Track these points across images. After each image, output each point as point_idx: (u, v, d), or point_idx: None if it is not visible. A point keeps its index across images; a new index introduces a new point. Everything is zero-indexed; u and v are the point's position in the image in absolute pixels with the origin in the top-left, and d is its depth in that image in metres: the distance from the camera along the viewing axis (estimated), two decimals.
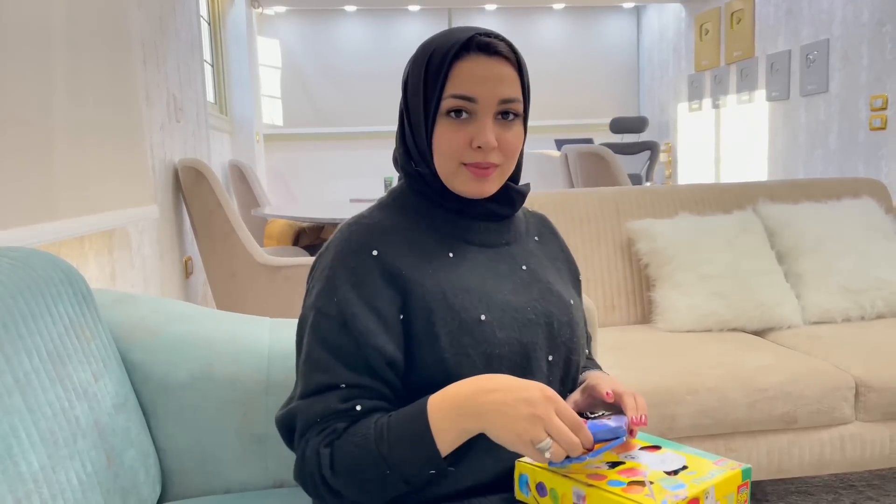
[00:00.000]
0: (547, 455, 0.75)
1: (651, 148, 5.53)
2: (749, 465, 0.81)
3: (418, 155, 0.94)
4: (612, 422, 0.82)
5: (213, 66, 5.31)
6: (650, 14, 7.30)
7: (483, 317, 0.89)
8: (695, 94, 6.36)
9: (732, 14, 5.65)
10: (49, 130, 1.57)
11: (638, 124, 6.06)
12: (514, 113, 0.91)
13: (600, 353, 1.87)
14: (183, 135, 3.19)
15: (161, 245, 2.75)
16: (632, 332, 2.15)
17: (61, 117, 1.63)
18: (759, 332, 2.13)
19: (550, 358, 0.94)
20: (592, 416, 0.95)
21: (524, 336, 0.91)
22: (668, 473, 0.80)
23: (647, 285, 2.25)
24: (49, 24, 1.60)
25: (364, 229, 0.91)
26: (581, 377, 1.00)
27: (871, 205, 2.34)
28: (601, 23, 7.52)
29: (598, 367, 1.09)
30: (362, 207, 1.04)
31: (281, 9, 6.88)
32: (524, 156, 0.99)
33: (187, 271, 3.17)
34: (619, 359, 1.86)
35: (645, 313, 2.26)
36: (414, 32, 7.18)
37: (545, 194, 2.34)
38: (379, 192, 5.77)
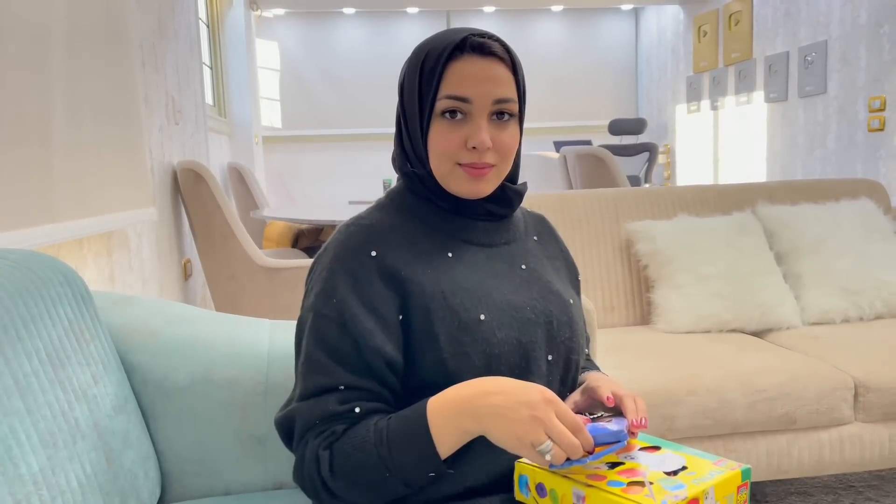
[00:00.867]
0: (547, 458, 0.75)
1: (650, 149, 5.53)
2: (748, 466, 0.81)
3: (414, 156, 0.95)
4: (613, 425, 0.82)
5: (211, 68, 5.31)
6: (648, 16, 7.31)
7: (482, 316, 0.89)
8: (693, 96, 6.37)
9: (731, 16, 5.66)
10: (48, 133, 1.57)
11: (636, 126, 6.07)
12: (508, 113, 0.91)
13: (600, 354, 1.87)
14: (182, 137, 3.19)
15: (160, 247, 2.75)
16: (631, 333, 2.16)
17: (60, 121, 1.64)
18: (758, 333, 2.13)
19: (550, 357, 0.94)
20: (592, 416, 0.95)
21: (523, 335, 0.91)
22: (668, 474, 0.80)
23: (646, 286, 2.25)
24: (48, 26, 1.60)
25: (362, 230, 0.92)
26: (581, 378, 1.00)
27: (869, 206, 2.35)
28: (600, 24, 7.53)
29: (596, 367, 1.09)
30: (361, 209, 1.04)
31: (279, 11, 6.88)
32: (522, 156, 0.99)
33: (186, 273, 3.17)
34: (618, 360, 1.86)
35: (644, 314, 2.26)
36: (412, 34, 7.18)
37: (544, 196, 2.34)
38: (378, 194, 5.77)
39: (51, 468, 0.83)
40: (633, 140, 6.49)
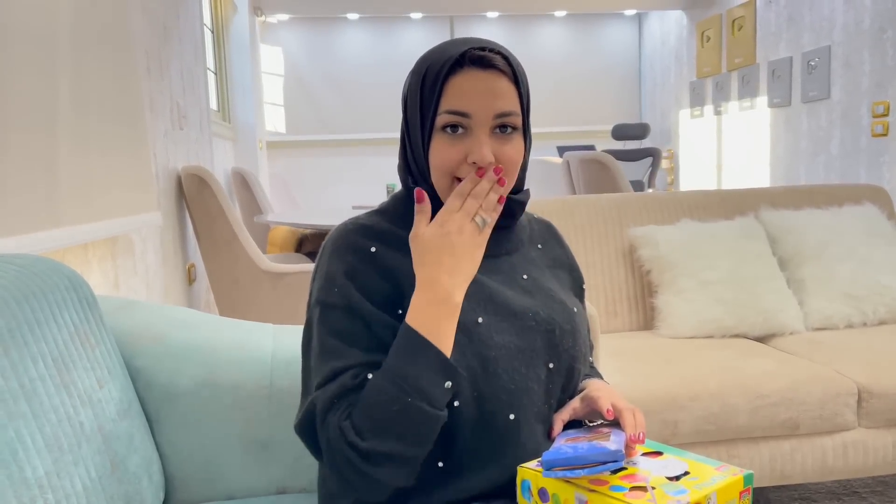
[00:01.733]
0: (482, 221, 0.86)
1: (653, 154, 5.53)
2: (751, 471, 0.82)
3: (416, 169, 0.95)
4: (611, 444, 0.82)
5: (216, 73, 5.33)
6: (652, 21, 7.32)
7: (480, 319, 0.90)
8: (696, 101, 6.37)
9: (734, 21, 5.67)
10: (53, 138, 1.58)
11: (640, 131, 6.07)
12: (511, 126, 0.90)
13: (602, 359, 1.87)
14: (186, 142, 3.20)
15: (164, 252, 2.76)
16: (634, 338, 2.16)
17: (66, 125, 1.65)
18: (761, 339, 2.13)
19: (551, 365, 0.94)
20: (592, 424, 0.95)
21: (522, 341, 0.91)
22: (670, 479, 0.80)
23: (649, 291, 2.25)
24: (53, 32, 1.61)
25: (360, 229, 0.93)
26: (581, 385, 1.00)
27: (873, 211, 2.35)
28: (603, 30, 7.54)
29: (598, 375, 1.09)
30: None
31: (284, 17, 6.90)
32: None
33: (190, 278, 3.18)
34: (620, 365, 1.86)
35: (647, 319, 2.26)
36: (416, 40, 7.20)
37: (547, 201, 2.34)
38: (381, 199, 5.77)
39: (56, 472, 0.83)
40: (637, 145, 6.50)
